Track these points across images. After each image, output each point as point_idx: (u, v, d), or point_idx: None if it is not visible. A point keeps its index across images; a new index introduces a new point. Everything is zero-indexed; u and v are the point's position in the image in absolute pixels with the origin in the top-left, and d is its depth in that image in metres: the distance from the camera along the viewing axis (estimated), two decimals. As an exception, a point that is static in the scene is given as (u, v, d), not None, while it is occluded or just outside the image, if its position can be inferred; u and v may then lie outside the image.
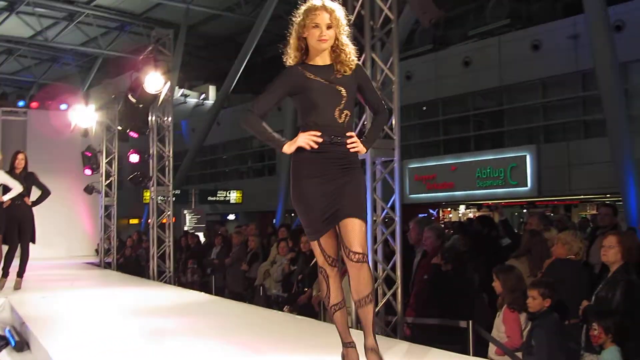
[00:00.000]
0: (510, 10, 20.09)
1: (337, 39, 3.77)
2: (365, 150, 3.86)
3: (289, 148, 3.71)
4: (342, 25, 3.78)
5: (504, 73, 18.79)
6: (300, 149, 3.69)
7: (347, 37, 3.85)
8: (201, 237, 16.14)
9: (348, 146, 3.73)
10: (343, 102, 3.72)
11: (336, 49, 3.78)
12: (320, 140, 3.68)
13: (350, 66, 3.79)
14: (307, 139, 3.67)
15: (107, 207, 14.59)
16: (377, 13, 6.56)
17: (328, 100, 3.73)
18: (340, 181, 3.72)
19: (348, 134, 3.75)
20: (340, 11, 3.79)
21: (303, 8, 3.78)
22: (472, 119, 20.28)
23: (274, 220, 22.05)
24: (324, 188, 3.69)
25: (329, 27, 3.72)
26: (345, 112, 3.73)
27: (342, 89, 3.74)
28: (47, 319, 6.72)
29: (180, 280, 12.52)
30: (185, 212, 23.79)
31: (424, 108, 21.08)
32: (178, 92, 30.29)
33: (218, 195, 26.79)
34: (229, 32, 27.20)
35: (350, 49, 3.80)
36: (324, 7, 3.74)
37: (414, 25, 16.71)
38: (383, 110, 3.99)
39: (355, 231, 3.64)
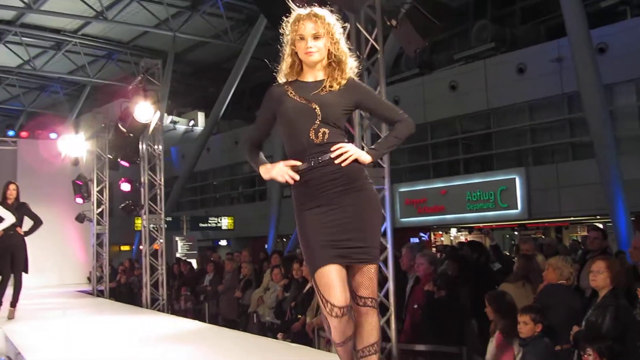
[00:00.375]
0: (494, 34, 20.32)
1: (332, 50, 3.36)
2: (369, 158, 3.34)
3: (263, 173, 3.39)
4: (334, 34, 3.35)
5: (490, 96, 18.98)
6: (295, 182, 3.31)
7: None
8: (194, 263, 16.16)
9: (336, 160, 3.26)
10: (317, 120, 3.26)
11: (332, 62, 3.37)
12: (298, 170, 3.29)
13: (339, 81, 3.35)
14: (282, 172, 3.30)
15: (99, 235, 14.62)
16: (363, 43, 6.69)
17: (301, 121, 3.30)
18: (343, 210, 3.24)
19: (333, 147, 3.26)
20: (330, 18, 3.36)
21: (290, 19, 3.42)
22: (461, 142, 20.43)
23: (266, 246, 22.06)
24: (323, 218, 3.24)
25: (316, 37, 3.30)
26: (322, 130, 3.26)
27: (316, 106, 3.28)
28: (43, 349, 6.76)
29: (173, 307, 12.52)
30: (177, 238, 23.77)
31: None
32: (167, 119, 30.39)
33: (209, 221, 26.78)
34: (216, 59, 27.38)
35: (348, 62, 3.39)
36: (308, 16, 3.32)
37: (400, 50, 16.92)
38: (401, 119, 3.41)
39: (363, 275, 3.24)
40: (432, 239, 22.48)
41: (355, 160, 3.31)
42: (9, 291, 9.14)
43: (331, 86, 3.34)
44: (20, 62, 26.23)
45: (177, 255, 21.57)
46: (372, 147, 3.50)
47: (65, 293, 14.42)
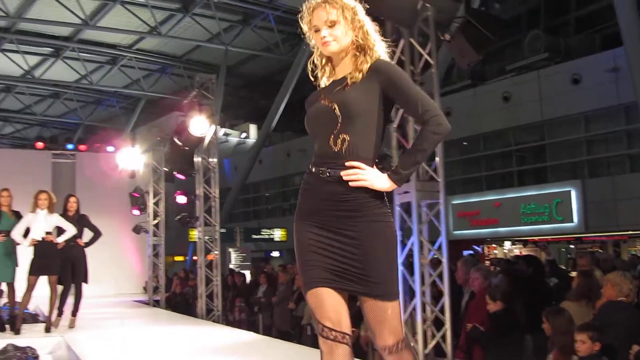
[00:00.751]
0: (547, 44, 20.05)
1: (354, 35, 2.87)
2: (387, 185, 2.76)
3: None
4: (354, 17, 2.88)
5: (544, 107, 18.73)
6: (302, 186, 2.93)
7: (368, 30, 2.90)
8: (247, 275, 16.32)
9: (345, 178, 2.73)
10: (338, 123, 2.75)
11: (357, 50, 2.90)
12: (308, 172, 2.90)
13: (360, 68, 2.82)
14: None
15: (155, 246, 14.89)
16: (416, 58, 6.72)
17: (323, 125, 2.83)
18: (347, 237, 2.75)
19: (348, 163, 2.74)
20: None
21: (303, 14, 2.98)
22: (515, 154, 20.20)
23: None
24: (321, 239, 2.80)
25: (331, 25, 2.84)
26: (342, 136, 2.75)
27: (335, 106, 2.77)
28: (102, 357, 6.95)
29: (227, 318, 12.66)
30: (230, 250, 24.03)
31: (465, 143, 21.07)
32: (220, 131, 30.77)
33: (262, 233, 27.00)
34: (268, 71, 27.66)
35: (374, 46, 2.89)
36: (318, 4, 2.89)
37: (452, 61, 16.84)
38: (426, 119, 2.73)
39: (384, 318, 2.76)
40: (486, 251, 22.23)
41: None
42: (70, 300, 9.42)
43: (353, 78, 2.83)
44: (78, 77, 26.90)
45: (231, 266, 21.80)
46: (394, 169, 2.80)
47: (123, 303, 14.71)
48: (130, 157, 15.15)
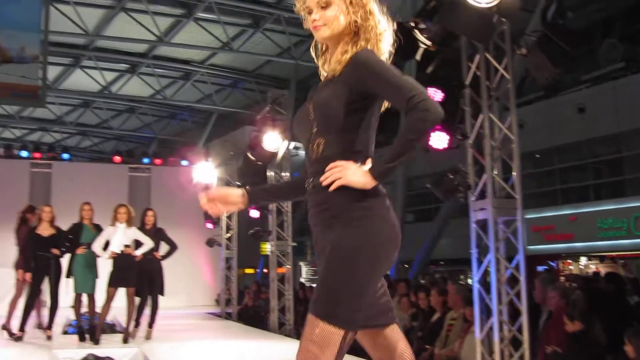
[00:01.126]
0: (624, 53, 19.51)
1: (351, 18, 2.45)
2: (362, 182, 2.30)
3: None
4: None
5: (621, 118, 18.20)
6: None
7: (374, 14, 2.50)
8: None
9: (324, 184, 2.36)
10: (314, 125, 2.45)
11: (350, 36, 2.50)
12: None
13: (340, 58, 2.45)
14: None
15: (227, 259, 15.09)
16: (492, 73, 6.64)
17: (302, 129, 2.56)
18: (324, 252, 2.37)
19: (327, 168, 2.36)
20: None
21: None
22: (590, 166, 19.70)
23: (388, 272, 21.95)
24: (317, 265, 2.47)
25: (324, 5, 2.46)
26: (318, 140, 2.43)
27: (310, 106, 2.51)
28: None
29: (299, 332, 12.71)
30: (301, 264, 24.15)
31: (537, 156, 20.66)
32: (290, 145, 30.96)
33: (331, 247, 27.01)
34: (335, 85, 27.72)
35: (372, 30, 2.48)
36: None
37: (525, 72, 16.55)
38: (415, 102, 2.25)
39: (305, 331, 2.29)
40: (560, 267, 21.68)
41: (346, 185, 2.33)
42: (146, 312, 9.65)
43: (334, 70, 2.48)
44: (152, 92, 27.53)
45: (301, 280, 21.90)
46: (374, 162, 2.37)
47: (196, 315, 14.97)
48: (204, 171, 15.41)
